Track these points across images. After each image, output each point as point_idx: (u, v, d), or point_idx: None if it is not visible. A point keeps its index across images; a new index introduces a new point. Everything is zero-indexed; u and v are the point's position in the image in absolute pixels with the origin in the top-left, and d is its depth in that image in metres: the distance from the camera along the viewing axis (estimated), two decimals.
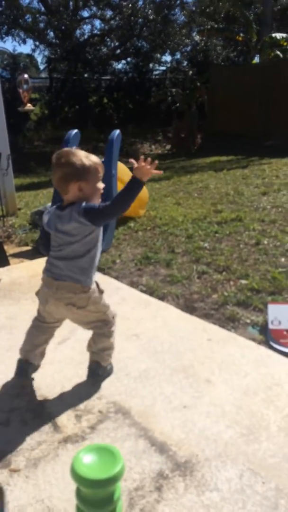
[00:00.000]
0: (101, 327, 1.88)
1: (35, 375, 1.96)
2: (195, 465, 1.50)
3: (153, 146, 13.06)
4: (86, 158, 1.73)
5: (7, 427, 1.68)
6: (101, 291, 1.87)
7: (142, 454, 1.53)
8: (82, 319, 1.86)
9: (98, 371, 1.92)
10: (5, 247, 3.62)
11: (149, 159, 1.74)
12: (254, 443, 1.58)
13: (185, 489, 1.41)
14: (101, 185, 1.79)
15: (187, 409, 1.75)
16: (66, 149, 1.79)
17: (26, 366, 1.90)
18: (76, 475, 1.00)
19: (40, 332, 1.90)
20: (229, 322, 2.48)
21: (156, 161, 1.76)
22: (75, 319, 1.87)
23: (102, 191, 1.80)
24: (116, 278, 3.10)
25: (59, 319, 1.90)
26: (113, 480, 1.00)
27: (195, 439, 1.60)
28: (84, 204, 1.71)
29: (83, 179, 1.71)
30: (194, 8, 14.43)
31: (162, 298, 2.78)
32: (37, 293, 1.89)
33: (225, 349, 2.15)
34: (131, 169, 1.80)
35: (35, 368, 1.93)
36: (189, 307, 2.67)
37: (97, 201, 1.77)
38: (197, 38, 14.68)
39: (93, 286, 1.82)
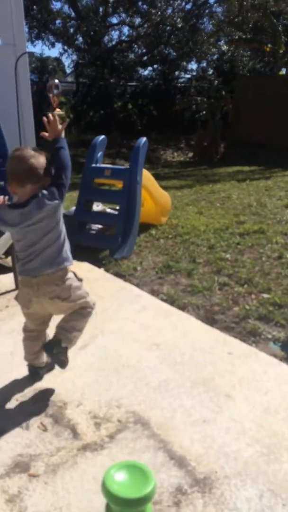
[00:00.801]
0: (81, 313, 1.87)
1: (55, 380, 1.97)
2: (214, 482, 1.48)
3: (175, 154, 13.07)
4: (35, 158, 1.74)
5: (27, 431, 1.69)
6: (80, 279, 1.88)
7: (160, 467, 1.52)
8: (66, 310, 1.86)
9: (53, 348, 1.84)
10: None
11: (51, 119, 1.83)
12: (275, 463, 1.55)
13: (204, 506, 1.39)
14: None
15: (207, 423, 1.73)
16: (30, 147, 1.80)
17: (36, 370, 2.01)
18: (107, 493, 1.00)
19: (33, 342, 1.95)
20: (250, 336, 2.45)
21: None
22: (59, 311, 1.88)
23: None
24: (137, 285, 3.10)
25: (44, 320, 1.92)
26: (144, 500, 0.99)
27: (214, 455, 1.58)
28: (45, 192, 1.73)
29: (38, 178, 1.73)
30: (222, 18, 14.44)
31: (182, 308, 2.77)
32: (17, 298, 1.88)
33: (246, 364, 2.13)
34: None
35: (45, 366, 2.01)
36: (209, 319, 2.65)
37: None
38: (224, 47, 14.69)
39: (71, 275, 1.83)
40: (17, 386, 1.95)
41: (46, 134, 1.85)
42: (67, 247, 1.84)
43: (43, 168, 1.75)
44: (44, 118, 1.86)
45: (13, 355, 2.19)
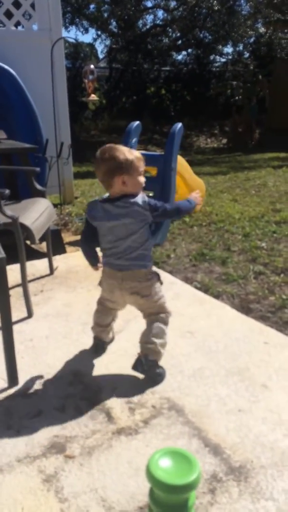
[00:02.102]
0: (158, 320, 1.90)
1: (90, 364, 1.99)
2: (250, 471, 1.46)
3: (208, 140, 12.90)
4: (129, 152, 1.78)
5: (63, 413, 1.71)
6: (161, 283, 1.93)
7: (195, 454, 1.51)
8: (144, 308, 1.91)
9: (143, 364, 1.87)
10: (62, 235, 3.68)
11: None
12: None
13: (239, 494, 1.38)
14: (142, 179, 1.82)
15: (243, 413, 1.71)
16: (109, 145, 1.84)
17: (101, 343, 2.10)
18: (152, 478, 1.00)
19: (105, 315, 2.03)
20: (286, 326, 2.40)
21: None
22: (139, 306, 1.93)
23: (143, 184, 1.84)
24: (170, 272, 3.09)
25: (122, 304, 1.99)
26: (189, 487, 0.98)
27: (250, 444, 1.56)
28: (147, 199, 1.79)
29: (126, 173, 1.76)
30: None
31: (217, 296, 2.74)
32: (100, 284, 1.96)
33: (282, 354, 2.08)
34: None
35: (111, 340, 2.14)
36: (244, 308, 2.61)
37: (138, 193, 1.82)
38: (261, 30, 14.26)
39: (153, 276, 1.90)
40: (53, 369, 1.98)
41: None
42: (150, 249, 1.90)
43: (133, 164, 1.76)
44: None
45: (49, 338, 2.22)
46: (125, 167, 1.75)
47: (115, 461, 1.49)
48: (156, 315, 1.90)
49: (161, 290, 1.93)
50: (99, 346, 2.09)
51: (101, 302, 2.03)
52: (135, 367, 1.88)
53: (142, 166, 1.81)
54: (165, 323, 1.92)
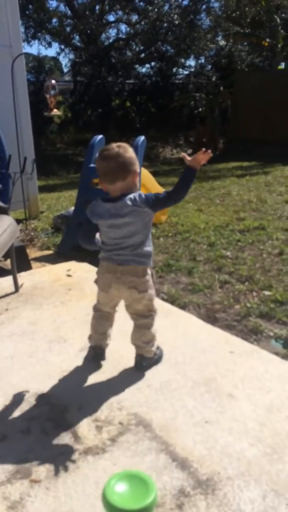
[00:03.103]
0: (146, 317, 1.99)
1: (55, 384, 1.96)
2: (217, 483, 1.47)
3: (174, 150, 13.06)
4: (132, 152, 1.85)
5: (28, 436, 1.68)
6: (154, 282, 2.02)
7: (163, 470, 1.51)
8: (136, 304, 1.97)
9: (142, 363, 2.04)
10: (27, 251, 3.64)
11: (203, 149, 1.85)
12: (278, 463, 1.54)
13: (207, 508, 1.38)
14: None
15: (209, 424, 1.72)
16: (114, 144, 1.86)
17: (101, 351, 2.12)
18: (108, 504, 0.98)
19: (103, 321, 2.07)
20: (251, 334, 2.44)
21: (210, 151, 1.86)
22: (131, 302, 1.98)
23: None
24: None
25: (115, 305, 2.04)
26: (145, 511, 0.98)
27: (217, 456, 1.57)
28: (142, 194, 1.85)
29: (132, 171, 1.83)
30: (220, 13, 14.37)
31: (183, 307, 2.75)
32: (96, 281, 2.00)
33: (248, 363, 2.11)
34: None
35: (107, 347, 2.14)
36: (210, 318, 2.64)
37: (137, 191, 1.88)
38: (222, 43, 14.63)
39: (150, 272, 1.98)
40: (18, 390, 1.94)
41: (188, 158, 1.88)
42: (150, 249, 1.96)
43: (131, 162, 1.81)
44: (184, 154, 1.92)
45: (13, 358, 2.18)
46: (137, 166, 1.84)
47: (82, 483, 1.47)
48: (144, 318, 1.99)
49: (153, 288, 2.00)
50: (99, 355, 2.11)
51: (97, 309, 2.07)
52: (137, 367, 2.04)
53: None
54: (152, 325, 2.02)
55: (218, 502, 1.40)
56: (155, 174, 4.53)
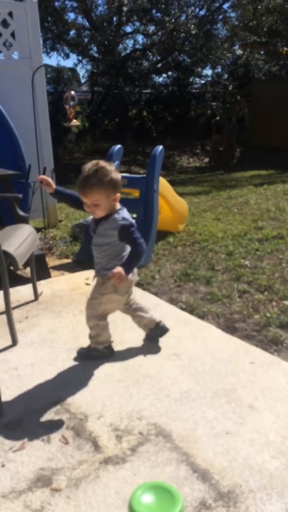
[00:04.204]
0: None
1: (75, 392, 1.97)
2: (238, 496, 1.45)
3: (190, 159, 13.07)
4: (115, 172, 1.98)
5: (48, 444, 1.69)
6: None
7: (184, 481, 1.50)
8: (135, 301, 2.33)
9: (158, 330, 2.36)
10: (46, 259, 3.68)
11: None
12: None
13: None
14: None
15: (230, 435, 1.70)
16: (101, 163, 1.97)
17: (112, 348, 2.30)
18: None
19: (107, 321, 2.27)
20: (272, 344, 2.41)
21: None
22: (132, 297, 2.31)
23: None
24: (155, 294, 3.09)
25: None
26: None
27: (238, 468, 1.55)
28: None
29: (116, 191, 1.99)
30: (236, 23, 14.42)
31: (202, 316, 2.74)
32: (116, 290, 2.13)
33: (268, 374, 2.09)
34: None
35: None
36: (230, 327, 2.62)
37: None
38: (239, 52, 14.66)
39: None
40: (38, 398, 1.95)
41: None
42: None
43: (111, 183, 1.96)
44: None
45: (34, 366, 2.20)
46: (115, 186, 2.00)
47: (102, 492, 1.46)
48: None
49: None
50: (111, 351, 2.29)
51: (105, 316, 2.23)
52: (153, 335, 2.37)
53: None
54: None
55: None
56: (172, 183, 4.53)
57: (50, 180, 2.20)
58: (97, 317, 2.20)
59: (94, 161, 1.98)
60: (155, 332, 2.36)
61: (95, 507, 1.41)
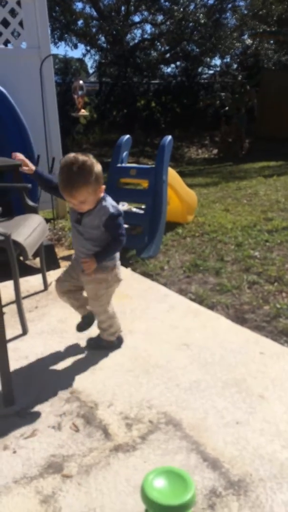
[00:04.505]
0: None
1: (85, 381, 1.98)
2: (249, 484, 1.45)
3: (199, 151, 12.97)
4: (96, 164, 1.89)
5: (59, 432, 1.70)
6: None
7: (194, 469, 1.50)
8: None
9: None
10: (56, 250, 3.68)
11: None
12: None
13: (239, 509, 1.36)
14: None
15: (240, 425, 1.70)
16: (80, 158, 1.84)
17: (121, 335, 2.30)
18: (147, 499, 0.99)
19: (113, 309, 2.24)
20: (282, 335, 2.40)
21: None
22: None
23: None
24: (165, 285, 3.09)
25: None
26: (184, 507, 0.98)
27: (249, 457, 1.55)
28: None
29: (101, 183, 1.93)
30: (246, 12, 14.23)
31: (211, 307, 2.74)
32: (119, 278, 2.15)
33: (278, 364, 2.08)
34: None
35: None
36: (239, 318, 2.61)
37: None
38: (248, 41, 14.48)
39: None
40: (48, 386, 1.97)
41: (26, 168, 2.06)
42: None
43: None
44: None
45: (44, 355, 2.21)
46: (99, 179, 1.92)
47: (113, 479, 1.47)
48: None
49: None
50: (92, 317, 2.30)
51: (110, 303, 2.21)
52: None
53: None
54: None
55: (250, 504, 1.38)
56: (180, 174, 4.50)
57: (27, 160, 2.12)
58: (106, 311, 2.16)
59: (71, 157, 1.82)
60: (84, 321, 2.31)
61: (106, 494, 1.42)
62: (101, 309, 2.16)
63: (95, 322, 2.26)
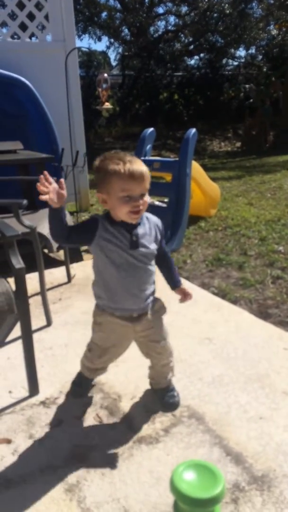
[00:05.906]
0: None
1: (109, 373, 2.00)
2: (272, 480, 1.45)
3: (222, 144, 12.83)
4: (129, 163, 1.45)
5: (83, 422, 1.72)
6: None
7: (217, 463, 1.51)
8: None
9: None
10: None
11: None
12: None
13: (263, 504, 1.36)
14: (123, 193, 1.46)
15: (264, 420, 1.69)
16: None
17: None
18: (176, 491, 0.99)
19: None
20: None
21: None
22: None
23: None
24: (187, 278, 3.08)
25: None
26: (214, 500, 0.98)
27: (272, 453, 1.55)
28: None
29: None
30: (272, 1, 13.92)
31: (234, 302, 2.72)
32: None
33: None
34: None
35: None
36: (263, 313, 2.59)
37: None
38: (274, 32, 14.19)
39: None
40: (72, 377, 1.98)
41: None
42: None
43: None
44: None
45: (68, 346, 2.24)
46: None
47: (136, 471, 1.49)
48: None
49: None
50: None
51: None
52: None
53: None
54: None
55: (274, 499, 1.38)
56: (203, 167, 4.47)
57: (64, 191, 1.54)
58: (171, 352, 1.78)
59: (119, 151, 1.54)
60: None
61: (129, 485, 1.44)
62: (170, 353, 1.77)
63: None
